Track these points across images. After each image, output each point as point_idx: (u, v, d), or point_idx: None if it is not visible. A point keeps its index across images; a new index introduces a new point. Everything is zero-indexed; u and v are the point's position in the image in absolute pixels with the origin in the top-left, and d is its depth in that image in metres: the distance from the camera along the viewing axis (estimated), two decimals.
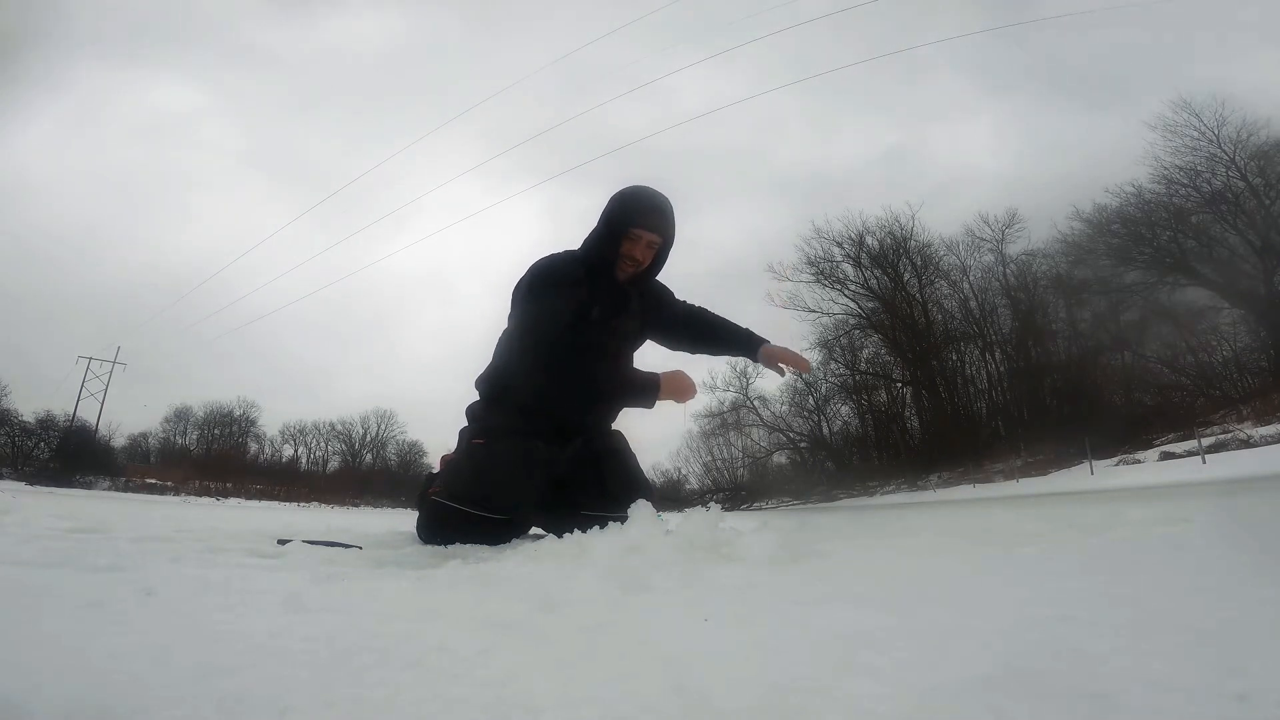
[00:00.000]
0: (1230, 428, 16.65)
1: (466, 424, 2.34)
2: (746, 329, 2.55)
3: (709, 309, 2.56)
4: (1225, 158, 19.88)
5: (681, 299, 2.53)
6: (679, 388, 2.25)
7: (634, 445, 2.42)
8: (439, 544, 1.96)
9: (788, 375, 2.52)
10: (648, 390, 2.22)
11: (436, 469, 2.54)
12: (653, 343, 2.49)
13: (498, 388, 2.28)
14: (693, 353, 2.56)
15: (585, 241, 2.29)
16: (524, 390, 2.20)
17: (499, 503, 2.08)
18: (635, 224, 2.17)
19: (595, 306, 2.21)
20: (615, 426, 2.41)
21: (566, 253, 2.30)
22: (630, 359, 2.39)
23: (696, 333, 2.51)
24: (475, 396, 2.36)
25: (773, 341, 2.46)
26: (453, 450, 2.37)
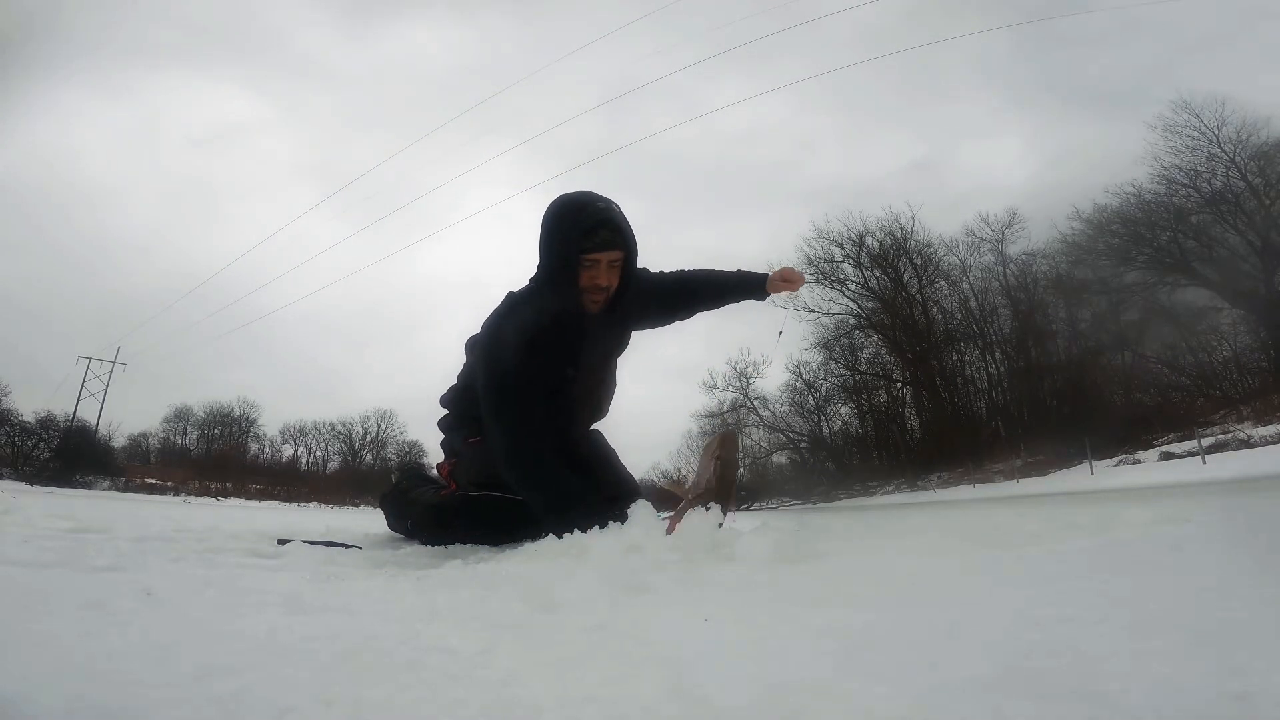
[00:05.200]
0: (1230, 428, 16.65)
1: (444, 437, 2.33)
2: (736, 272, 2.39)
3: (686, 269, 2.36)
4: (1225, 158, 19.93)
5: (657, 270, 2.27)
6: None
7: (633, 445, 2.42)
8: (457, 538, 1.98)
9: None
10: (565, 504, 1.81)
11: (434, 473, 2.54)
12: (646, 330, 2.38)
13: (468, 409, 2.17)
14: (689, 318, 2.40)
15: (536, 279, 2.00)
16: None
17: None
18: (588, 250, 1.85)
19: (571, 365, 2.02)
20: (596, 427, 2.39)
21: (519, 307, 2.00)
22: (614, 376, 2.33)
23: (687, 299, 2.35)
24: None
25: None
26: (444, 460, 2.36)
